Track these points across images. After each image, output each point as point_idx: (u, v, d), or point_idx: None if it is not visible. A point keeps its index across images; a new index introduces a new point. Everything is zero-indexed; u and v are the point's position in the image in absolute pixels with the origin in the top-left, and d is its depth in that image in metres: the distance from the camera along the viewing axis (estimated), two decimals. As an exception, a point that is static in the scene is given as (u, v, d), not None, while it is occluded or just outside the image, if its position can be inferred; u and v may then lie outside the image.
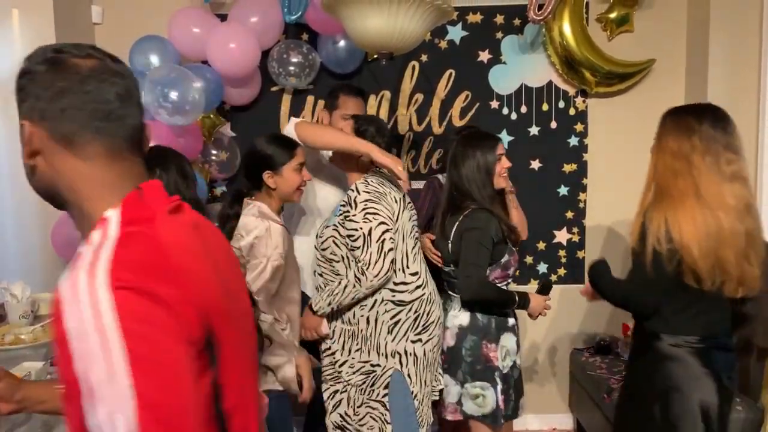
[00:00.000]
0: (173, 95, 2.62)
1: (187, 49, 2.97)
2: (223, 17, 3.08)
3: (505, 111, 3.30)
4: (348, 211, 2.19)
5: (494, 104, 3.30)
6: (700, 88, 3.10)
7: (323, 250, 2.24)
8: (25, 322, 2.32)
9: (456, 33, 3.27)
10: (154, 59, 2.86)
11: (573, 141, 3.31)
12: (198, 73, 2.80)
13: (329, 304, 2.19)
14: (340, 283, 2.16)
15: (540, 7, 2.96)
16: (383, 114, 3.30)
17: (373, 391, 2.24)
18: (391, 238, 2.15)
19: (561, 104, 3.30)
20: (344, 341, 2.26)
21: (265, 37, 3.03)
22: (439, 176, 2.87)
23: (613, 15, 3.22)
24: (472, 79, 3.28)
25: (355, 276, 2.13)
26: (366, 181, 2.24)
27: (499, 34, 3.27)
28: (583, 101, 3.29)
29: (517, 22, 3.25)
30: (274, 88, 3.27)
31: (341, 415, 2.29)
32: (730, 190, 1.80)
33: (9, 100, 3.03)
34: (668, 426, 1.84)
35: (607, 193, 3.28)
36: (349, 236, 2.16)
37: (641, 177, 3.27)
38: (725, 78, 3.04)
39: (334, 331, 2.27)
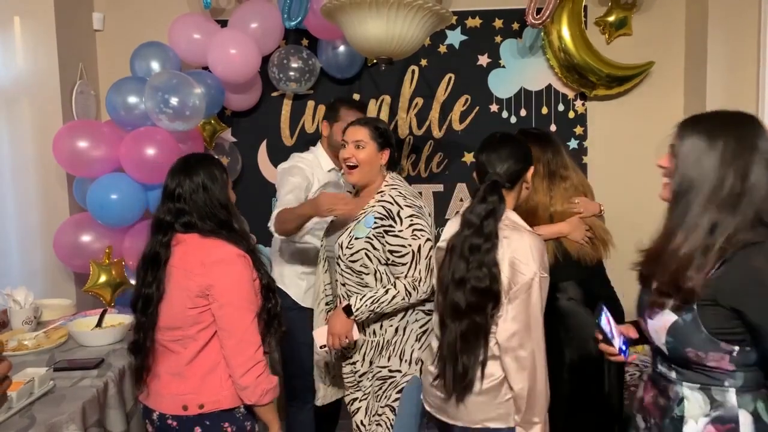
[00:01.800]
0: (174, 101, 2.63)
1: (188, 55, 2.99)
2: (223, 23, 3.10)
3: (505, 115, 3.31)
4: (391, 226, 2.04)
5: (494, 108, 3.31)
6: (699, 90, 3.11)
7: (352, 261, 2.09)
8: (27, 328, 2.32)
9: (455, 37, 3.28)
10: (155, 65, 2.88)
11: (572, 144, 3.32)
12: (199, 79, 2.82)
13: (372, 311, 2.05)
14: (387, 291, 2.03)
15: (538, 11, 2.97)
16: (383, 118, 3.31)
17: (386, 395, 2.12)
18: (434, 254, 2.02)
19: (560, 107, 3.31)
20: (365, 352, 2.15)
21: (266, 42, 3.05)
22: None
23: (611, 18, 3.23)
24: (472, 83, 3.29)
25: (406, 290, 2.03)
26: (401, 192, 2.10)
27: (498, 38, 3.28)
28: (583, 104, 3.30)
29: (516, 26, 3.26)
30: (274, 94, 3.28)
31: (357, 424, 2.20)
32: None
33: (12, 106, 3.06)
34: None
35: (607, 195, 3.27)
36: (392, 252, 2.04)
37: (641, 179, 3.31)
38: (724, 80, 3.05)
39: (356, 342, 2.13)
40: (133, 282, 2.77)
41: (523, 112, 3.30)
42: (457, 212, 1.93)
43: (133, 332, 1.88)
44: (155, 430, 1.84)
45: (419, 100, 3.32)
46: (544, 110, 3.30)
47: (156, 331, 1.80)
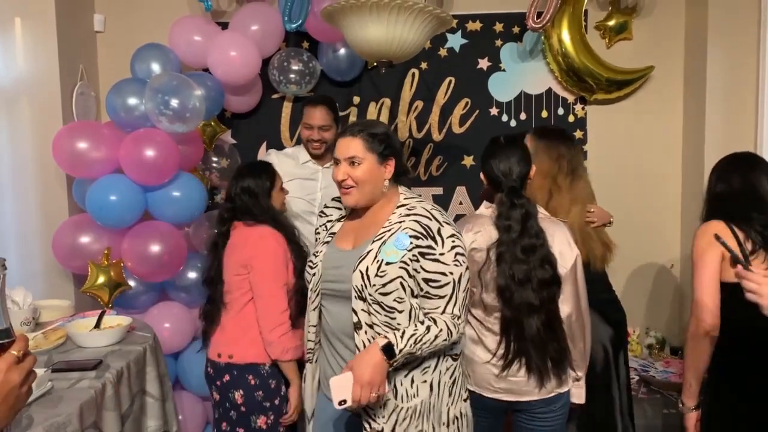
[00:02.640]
0: (174, 103, 2.63)
1: (188, 57, 2.99)
2: (224, 25, 3.10)
3: (505, 118, 3.31)
4: (430, 247, 1.65)
5: (494, 111, 3.31)
6: (699, 94, 3.12)
7: (383, 294, 1.64)
8: (26, 329, 2.32)
9: (455, 41, 3.29)
10: (156, 67, 2.88)
11: (572, 148, 3.31)
12: (199, 80, 2.82)
13: (412, 354, 1.64)
14: (429, 329, 1.63)
15: (539, 15, 2.98)
16: (383, 121, 3.31)
17: None
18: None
19: (560, 111, 3.31)
20: (396, 421, 1.67)
21: (266, 45, 3.05)
22: None
23: (611, 23, 3.24)
24: (472, 86, 3.30)
25: (449, 328, 1.66)
26: (435, 207, 1.75)
27: (499, 42, 3.29)
28: (582, 108, 3.31)
29: (516, 29, 3.27)
30: (274, 96, 3.29)
31: None
32: None
33: (12, 106, 3.06)
34: None
35: (606, 199, 3.27)
36: (428, 281, 1.65)
37: (640, 183, 3.31)
38: (723, 85, 3.05)
39: (381, 399, 1.66)
40: (132, 284, 2.78)
41: (523, 116, 3.31)
42: (460, 219, 2.11)
43: (205, 303, 2.36)
44: (205, 377, 2.31)
45: (419, 103, 3.32)
46: (544, 114, 3.31)
47: (221, 295, 2.27)
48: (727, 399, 1.89)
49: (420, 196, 1.83)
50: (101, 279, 2.67)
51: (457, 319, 1.69)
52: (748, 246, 1.83)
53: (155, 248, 2.69)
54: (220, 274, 2.27)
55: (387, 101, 3.32)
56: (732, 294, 1.82)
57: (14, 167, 2.90)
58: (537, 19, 2.98)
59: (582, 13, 3.16)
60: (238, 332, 2.22)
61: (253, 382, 2.18)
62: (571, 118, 3.31)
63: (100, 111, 3.17)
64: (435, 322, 1.66)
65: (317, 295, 1.81)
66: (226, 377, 2.20)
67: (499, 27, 3.28)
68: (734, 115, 3.05)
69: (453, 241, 1.67)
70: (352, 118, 3.31)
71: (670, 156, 3.31)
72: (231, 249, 2.25)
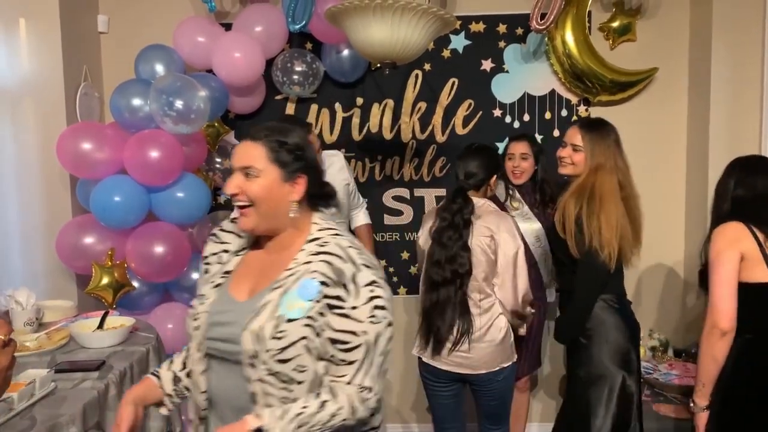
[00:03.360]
0: (178, 104, 2.64)
1: (193, 58, 3.00)
2: (227, 26, 3.10)
3: (508, 119, 3.31)
4: (339, 299, 1.29)
5: (497, 113, 3.31)
6: (703, 96, 3.11)
7: (282, 361, 1.27)
8: (29, 329, 2.33)
9: (459, 42, 3.28)
10: (160, 68, 2.88)
11: (576, 149, 3.31)
12: (203, 81, 2.82)
13: None
14: (323, 405, 1.26)
15: (543, 16, 2.98)
16: (386, 122, 3.31)
17: None
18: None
19: (564, 113, 3.30)
20: None
21: (270, 46, 3.05)
22: None
23: (615, 24, 3.23)
24: (475, 87, 3.30)
25: (352, 405, 1.29)
26: (352, 242, 1.37)
27: (502, 43, 3.28)
28: (586, 110, 3.30)
29: (519, 31, 3.27)
30: (278, 97, 3.29)
31: None
32: None
33: (16, 107, 3.06)
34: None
35: (610, 201, 3.28)
36: (335, 341, 1.28)
37: (644, 184, 3.29)
38: (727, 86, 3.04)
39: None
40: (135, 284, 2.79)
41: (526, 117, 3.30)
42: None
43: None
44: None
45: (422, 105, 3.32)
46: (548, 115, 3.30)
47: None
48: (740, 401, 1.88)
49: (335, 228, 1.40)
50: (105, 280, 2.67)
51: (368, 392, 1.30)
52: None
53: (159, 249, 2.69)
54: None
55: (390, 102, 3.31)
56: (753, 295, 1.84)
57: (18, 168, 2.91)
58: (540, 20, 2.98)
59: (586, 15, 3.15)
60: None
61: None
62: (574, 119, 3.30)
63: (104, 112, 3.18)
64: (335, 396, 1.27)
65: (204, 355, 1.38)
66: None
67: (502, 28, 3.27)
68: (738, 117, 3.04)
69: (371, 291, 1.28)
70: (355, 120, 3.31)
71: (674, 157, 3.30)
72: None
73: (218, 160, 3.16)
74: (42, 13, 2.85)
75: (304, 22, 2.90)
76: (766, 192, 1.95)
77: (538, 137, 3.30)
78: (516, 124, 3.30)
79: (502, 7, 3.26)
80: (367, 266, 1.31)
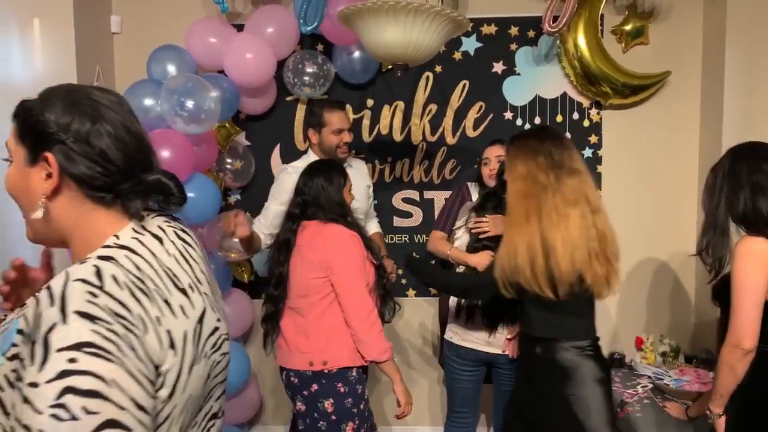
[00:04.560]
0: (189, 104, 2.65)
1: (204, 58, 3.01)
2: (239, 27, 3.11)
3: (519, 122, 3.30)
4: (23, 363, 0.77)
5: (508, 115, 3.30)
6: (716, 100, 3.09)
7: None
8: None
9: (470, 44, 3.28)
10: (172, 68, 2.89)
11: (587, 153, 3.30)
12: (214, 82, 2.83)
13: None
14: None
15: (555, 19, 2.97)
16: (397, 124, 3.31)
17: None
18: None
19: (575, 116, 3.29)
20: None
21: (281, 47, 3.06)
22: (469, 183, 2.87)
23: (628, 27, 3.22)
24: (486, 90, 3.29)
25: None
26: (89, 278, 0.82)
27: (514, 46, 3.27)
28: (598, 113, 3.29)
29: (531, 33, 3.26)
30: (289, 98, 3.29)
31: None
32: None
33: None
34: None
35: (621, 204, 3.26)
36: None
37: (655, 188, 3.28)
38: (741, 90, 3.02)
39: None
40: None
41: (537, 120, 3.29)
42: None
43: (265, 304, 2.33)
44: (285, 386, 2.28)
45: (433, 107, 3.31)
46: (559, 118, 3.29)
47: (288, 300, 2.25)
48: (756, 410, 1.87)
49: (144, 236, 0.93)
50: (115, 279, 2.68)
51: None
52: None
53: (169, 249, 2.70)
54: (287, 276, 2.25)
55: (401, 104, 3.31)
56: None
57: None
58: (553, 23, 2.97)
59: (598, 18, 3.14)
60: (325, 337, 2.18)
61: (342, 389, 2.17)
62: (586, 123, 3.29)
63: (116, 112, 3.19)
64: None
65: None
66: (314, 386, 2.18)
67: (514, 31, 3.27)
68: (752, 120, 3.02)
69: (71, 362, 0.74)
70: (366, 122, 3.31)
71: (687, 161, 3.28)
72: (304, 249, 2.21)
73: (229, 160, 3.17)
74: (56, 14, 2.87)
75: (315, 24, 2.90)
76: None
77: (549, 140, 3.29)
78: (527, 127, 3.28)
79: (514, 9, 3.25)
80: (85, 316, 0.77)
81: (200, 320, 0.92)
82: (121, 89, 3.12)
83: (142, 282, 0.85)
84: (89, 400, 0.74)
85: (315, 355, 2.17)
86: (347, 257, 2.16)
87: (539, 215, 1.88)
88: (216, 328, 0.96)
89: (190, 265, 0.95)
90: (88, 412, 0.73)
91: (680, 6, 3.22)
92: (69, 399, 0.73)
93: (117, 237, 0.90)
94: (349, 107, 3.18)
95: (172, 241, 0.95)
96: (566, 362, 1.93)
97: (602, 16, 3.17)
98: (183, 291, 0.91)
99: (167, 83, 2.71)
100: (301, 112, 3.31)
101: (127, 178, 0.92)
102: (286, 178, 2.63)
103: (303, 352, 2.19)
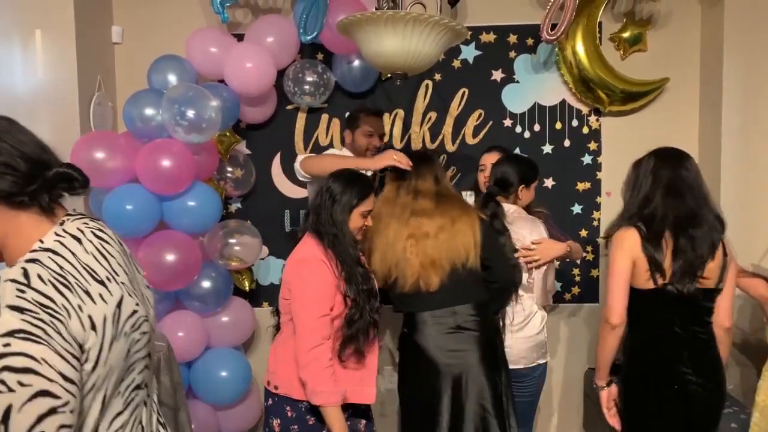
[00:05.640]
0: (190, 113, 2.66)
1: (205, 68, 3.02)
2: (240, 37, 3.13)
3: (519, 129, 3.31)
4: None
5: (507, 123, 3.31)
6: (715, 106, 3.10)
7: None
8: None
9: (469, 52, 3.29)
10: (172, 78, 2.91)
11: (586, 159, 3.31)
12: (215, 91, 2.84)
13: None
14: None
15: (553, 26, 2.98)
16: (396, 132, 3.32)
17: None
18: None
19: (574, 123, 3.30)
20: None
21: (281, 56, 3.07)
22: (464, 192, 2.92)
23: (626, 34, 3.23)
24: (486, 97, 3.30)
25: None
26: (32, 275, 0.98)
27: (513, 54, 3.29)
28: (597, 120, 3.30)
29: (530, 41, 3.27)
30: (289, 107, 3.31)
31: None
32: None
33: (31, 116, 3.08)
34: None
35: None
36: None
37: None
38: (739, 96, 3.03)
39: None
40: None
41: (536, 127, 3.30)
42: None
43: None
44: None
45: (432, 115, 3.33)
46: (558, 125, 3.30)
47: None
48: (638, 389, 2.12)
49: (70, 239, 1.08)
50: (116, 288, 2.68)
51: None
52: None
53: (170, 257, 2.71)
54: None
55: (400, 112, 3.33)
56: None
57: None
58: (551, 30, 2.99)
59: (596, 25, 3.15)
60: (283, 361, 2.05)
61: (290, 414, 2.02)
62: (585, 130, 3.30)
63: (117, 121, 3.21)
64: None
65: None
66: (270, 401, 2.08)
67: (513, 38, 3.28)
68: (750, 126, 3.03)
69: (3, 348, 0.90)
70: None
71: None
72: (287, 264, 2.09)
73: (229, 169, 3.18)
74: (57, 25, 2.89)
75: (315, 33, 2.92)
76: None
77: (549, 147, 3.30)
78: (526, 134, 3.30)
79: (513, 17, 3.27)
80: (15, 309, 0.93)
81: (118, 305, 1.07)
82: (122, 99, 3.14)
83: (64, 277, 1.01)
84: (23, 376, 0.91)
85: (273, 375, 2.08)
86: (304, 284, 1.97)
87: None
88: (134, 311, 1.11)
89: (107, 260, 1.11)
90: (23, 385, 0.90)
91: (678, 13, 3.23)
92: (6, 375, 0.90)
93: (42, 242, 1.05)
94: (386, 115, 3.27)
95: (89, 240, 1.10)
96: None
97: (600, 23, 3.19)
98: (101, 282, 1.06)
99: (168, 93, 2.73)
100: (301, 120, 3.33)
101: (34, 178, 1.06)
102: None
103: (269, 366, 2.12)
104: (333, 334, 1.98)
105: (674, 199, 2.02)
